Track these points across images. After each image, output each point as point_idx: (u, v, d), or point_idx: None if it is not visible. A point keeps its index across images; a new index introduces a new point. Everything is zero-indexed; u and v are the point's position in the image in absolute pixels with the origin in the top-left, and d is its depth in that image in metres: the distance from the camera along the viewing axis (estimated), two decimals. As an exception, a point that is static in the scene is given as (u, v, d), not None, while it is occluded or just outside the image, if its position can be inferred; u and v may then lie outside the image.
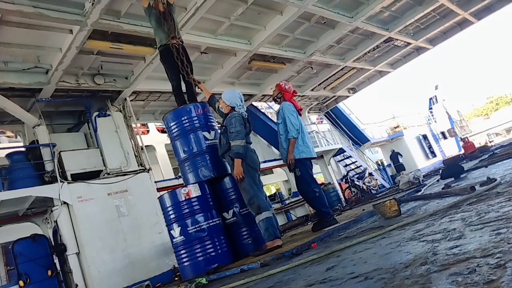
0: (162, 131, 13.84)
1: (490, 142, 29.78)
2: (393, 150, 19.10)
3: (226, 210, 5.23)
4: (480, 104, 64.91)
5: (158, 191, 7.86)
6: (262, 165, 12.76)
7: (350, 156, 16.22)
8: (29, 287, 6.34)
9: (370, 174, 15.86)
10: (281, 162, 13.71)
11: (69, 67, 6.69)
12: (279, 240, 4.41)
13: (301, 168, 4.94)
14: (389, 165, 19.20)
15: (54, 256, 6.81)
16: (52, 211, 6.90)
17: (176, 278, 6.02)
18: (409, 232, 2.71)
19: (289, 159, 4.92)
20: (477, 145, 18.66)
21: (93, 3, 5.36)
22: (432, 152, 22.35)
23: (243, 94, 12.34)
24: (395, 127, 22.13)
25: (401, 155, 18.68)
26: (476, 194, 3.46)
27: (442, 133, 24.49)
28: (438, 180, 7.45)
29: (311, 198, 4.98)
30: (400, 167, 17.86)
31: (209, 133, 5.31)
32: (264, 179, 14.80)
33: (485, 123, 43.47)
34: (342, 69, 12.77)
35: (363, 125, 19.88)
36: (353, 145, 17.52)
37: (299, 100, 14.44)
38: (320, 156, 14.38)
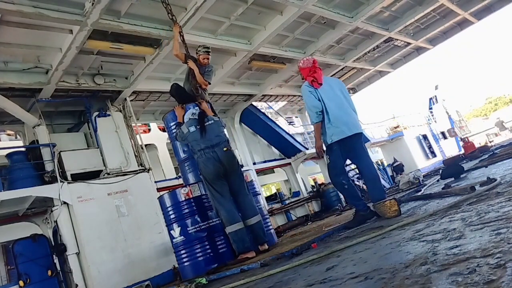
0: (164, 130, 13.84)
1: (490, 142, 29.80)
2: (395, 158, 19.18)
3: (226, 210, 5.21)
4: (479, 104, 65.06)
5: (158, 191, 7.87)
6: (262, 165, 12.91)
7: (350, 156, 16.17)
8: (29, 287, 6.34)
9: (370, 174, 15.80)
10: (281, 162, 13.78)
11: (69, 67, 6.69)
12: (251, 252, 4.47)
13: (330, 155, 4.29)
14: (389, 165, 19.21)
15: (54, 256, 6.81)
16: (52, 211, 6.89)
17: None
18: (409, 232, 2.71)
19: (317, 148, 4.32)
20: (477, 145, 18.66)
21: (93, 3, 5.35)
22: (432, 152, 22.35)
23: (244, 94, 12.34)
24: (395, 127, 22.14)
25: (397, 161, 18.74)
26: (476, 194, 3.46)
27: (442, 133, 24.50)
28: (438, 180, 7.45)
29: (340, 191, 4.48)
30: (397, 168, 17.87)
31: None
32: (264, 178, 14.86)
33: (484, 124, 43.52)
34: (342, 69, 12.77)
35: (363, 125, 19.87)
36: (353, 145, 17.47)
37: (299, 100, 14.44)
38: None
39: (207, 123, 4.78)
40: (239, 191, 4.73)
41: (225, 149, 4.67)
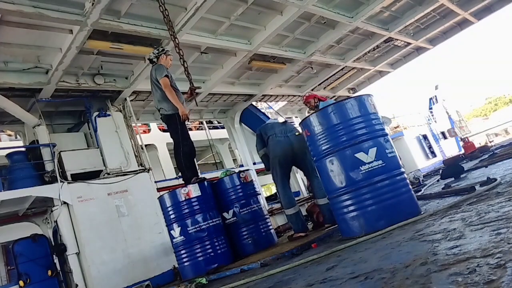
0: (163, 130, 13.89)
1: (490, 142, 29.81)
2: None
3: (226, 210, 5.23)
4: (479, 104, 65.07)
5: (158, 191, 7.86)
6: (262, 165, 12.86)
7: (350, 156, 16.15)
8: (29, 287, 6.34)
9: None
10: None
11: (69, 67, 6.68)
12: (303, 232, 4.89)
13: None
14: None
15: (54, 256, 6.81)
16: (52, 211, 6.89)
17: None
18: (409, 232, 2.71)
19: None
20: (477, 145, 18.65)
21: (93, 3, 5.35)
22: (432, 152, 22.32)
23: (244, 94, 12.32)
24: (395, 127, 22.11)
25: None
26: (476, 194, 3.47)
27: (442, 133, 24.47)
28: (438, 180, 7.45)
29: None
30: None
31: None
32: (264, 178, 14.84)
33: (484, 124, 43.50)
34: (342, 69, 12.75)
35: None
36: (353, 145, 17.47)
37: (299, 100, 14.45)
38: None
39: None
40: (310, 173, 5.04)
41: (297, 133, 5.02)
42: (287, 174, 5.09)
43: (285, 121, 5.45)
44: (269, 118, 13.69)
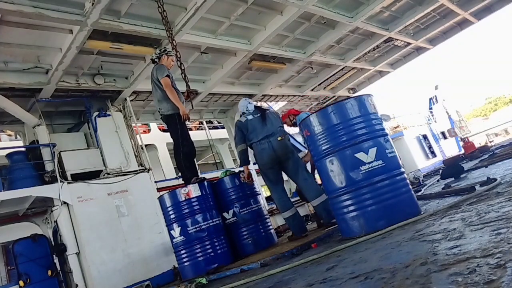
0: (163, 130, 13.91)
1: (490, 142, 29.82)
2: None
3: (226, 210, 5.23)
4: (479, 104, 65.15)
5: (158, 191, 7.86)
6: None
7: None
8: (29, 287, 6.34)
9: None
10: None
11: (69, 67, 6.68)
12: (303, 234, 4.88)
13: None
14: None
15: (54, 256, 6.81)
16: (52, 211, 6.89)
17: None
18: (409, 232, 2.71)
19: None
20: (477, 145, 18.65)
21: (93, 3, 5.35)
22: (432, 152, 22.33)
23: (244, 94, 12.31)
24: (395, 127, 22.11)
25: None
26: (476, 194, 3.47)
27: (442, 133, 24.48)
28: (438, 180, 7.46)
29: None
30: None
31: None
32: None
33: (484, 124, 43.54)
34: (342, 69, 12.76)
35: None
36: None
37: (299, 100, 14.51)
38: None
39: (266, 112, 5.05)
40: (297, 176, 4.93)
41: (279, 138, 4.82)
42: (278, 178, 4.95)
43: (262, 109, 5.09)
44: None
